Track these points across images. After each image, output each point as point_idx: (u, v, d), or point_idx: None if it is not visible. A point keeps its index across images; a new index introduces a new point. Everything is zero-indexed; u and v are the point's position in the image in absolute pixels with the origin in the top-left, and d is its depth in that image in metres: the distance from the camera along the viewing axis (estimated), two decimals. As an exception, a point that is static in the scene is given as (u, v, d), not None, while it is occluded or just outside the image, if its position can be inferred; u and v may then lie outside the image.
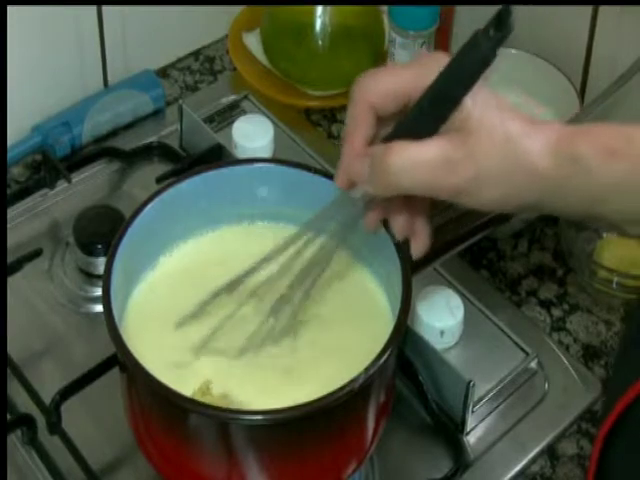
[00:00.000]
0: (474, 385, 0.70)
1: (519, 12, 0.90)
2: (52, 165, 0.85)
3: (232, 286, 0.62)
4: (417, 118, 0.54)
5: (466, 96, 0.53)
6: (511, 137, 0.53)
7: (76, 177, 0.86)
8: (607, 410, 0.52)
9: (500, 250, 0.85)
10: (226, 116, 0.93)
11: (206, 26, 0.99)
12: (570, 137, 0.53)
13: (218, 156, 0.85)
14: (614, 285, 0.80)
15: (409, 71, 0.55)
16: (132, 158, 0.89)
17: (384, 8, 0.94)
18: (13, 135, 0.86)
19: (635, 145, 0.52)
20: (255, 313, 0.63)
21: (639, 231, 0.54)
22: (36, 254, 0.79)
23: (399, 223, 0.59)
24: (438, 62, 0.54)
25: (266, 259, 0.62)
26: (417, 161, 0.53)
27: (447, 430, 0.72)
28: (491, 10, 0.85)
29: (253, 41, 0.97)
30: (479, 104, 0.53)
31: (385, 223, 0.62)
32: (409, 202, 0.58)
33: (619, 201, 0.53)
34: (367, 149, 0.56)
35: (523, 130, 0.53)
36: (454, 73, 0.53)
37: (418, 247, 0.60)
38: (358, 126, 0.56)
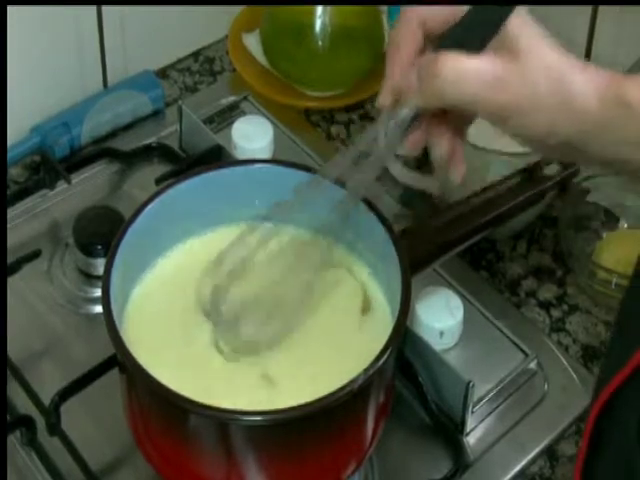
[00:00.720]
0: (474, 386, 0.70)
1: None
2: (51, 166, 0.85)
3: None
4: (466, 29, 0.53)
5: (514, 21, 0.52)
6: (561, 66, 0.52)
7: (75, 178, 0.86)
8: (599, 388, 0.52)
9: (499, 251, 0.85)
10: (226, 117, 0.93)
11: (206, 27, 0.99)
12: (620, 82, 0.52)
13: (218, 157, 0.85)
14: (613, 286, 0.80)
15: None
16: (131, 159, 0.89)
17: (384, 8, 0.94)
18: (12, 136, 0.86)
19: None
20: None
21: None
22: (35, 255, 0.79)
23: (441, 145, 0.57)
24: None
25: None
26: (467, 71, 0.52)
27: (447, 431, 0.72)
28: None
29: (253, 42, 0.97)
30: (528, 32, 0.52)
31: (384, 221, 0.62)
32: (452, 122, 0.57)
33: None
34: (416, 59, 0.55)
35: (572, 65, 0.52)
36: None
37: (459, 171, 0.58)
38: (405, 38, 0.55)
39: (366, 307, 0.65)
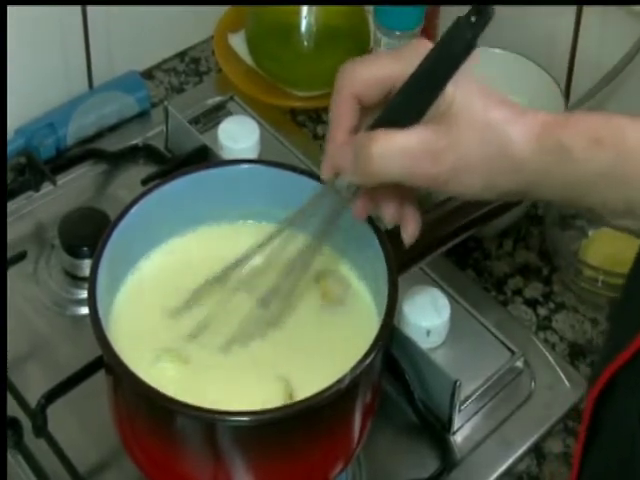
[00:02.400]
0: (460, 384, 0.70)
1: (504, 12, 0.91)
2: (37, 167, 0.85)
3: (220, 279, 0.62)
4: (400, 105, 0.54)
5: (449, 83, 0.53)
6: (493, 125, 0.52)
7: (61, 179, 0.86)
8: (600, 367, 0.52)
9: (485, 249, 0.85)
10: (212, 117, 0.92)
11: (191, 27, 0.99)
12: (554, 126, 0.52)
13: (204, 157, 0.85)
14: (599, 283, 0.80)
15: (393, 59, 0.55)
16: (117, 160, 0.89)
17: (369, 8, 0.95)
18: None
19: (621, 134, 0.51)
20: (241, 308, 0.63)
21: (623, 222, 0.54)
22: (21, 257, 0.79)
23: (388, 211, 0.59)
24: (421, 50, 0.54)
25: (248, 254, 0.62)
26: (399, 149, 0.53)
27: (434, 429, 0.72)
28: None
29: (238, 42, 0.97)
30: (462, 91, 0.53)
31: (370, 220, 0.62)
32: (397, 189, 0.58)
33: (603, 191, 0.52)
34: (351, 138, 0.56)
35: (506, 118, 0.53)
36: (436, 60, 0.53)
37: (408, 233, 0.59)
38: (342, 115, 0.56)
39: (352, 306, 0.65)
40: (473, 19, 0.52)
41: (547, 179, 0.53)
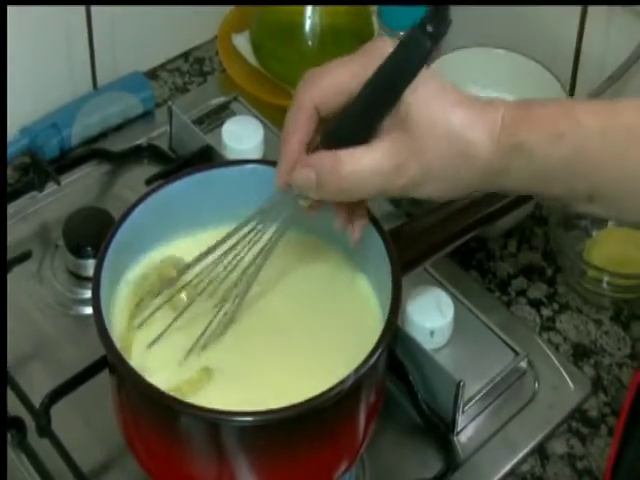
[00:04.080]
0: (464, 385, 0.70)
1: (508, 12, 0.91)
2: (41, 167, 0.85)
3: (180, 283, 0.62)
4: (355, 114, 0.54)
5: (406, 91, 0.53)
6: (453, 130, 0.53)
7: (65, 179, 0.86)
8: None
9: (489, 250, 0.85)
10: (216, 117, 0.93)
11: (195, 27, 0.99)
12: (514, 125, 0.53)
13: (208, 158, 0.85)
14: (604, 284, 0.80)
15: (350, 65, 0.55)
16: (121, 160, 0.89)
17: (374, 8, 0.95)
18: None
19: (581, 125, 0.52)
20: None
21: (589, 209, 0.55)
22: (25, 256, 0.79)
23: (339, 218, 0.59)
24: (380, 53, 0.53)
25: (208, 253, 0.62)
26: (369, 169, 0.53)
27: (437, 430, 0.72)
28: (478, 10, 0.85)
29: (242, 42, 0.97)
30: (419, 96, 0.53)
31: (374, 221, 0.62)
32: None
33: (566, 181, 0.53)
34: (310, 158, 0.55)
35: (465, 120, 0.53)
36: (392, 69, 0.53)
37: (355, 238, 0.60)
38: (299, 125, 0.56)
39: (356, 306, 0.65)
40: (429, 29, 0.51)
41: (511, 175, 0.54)
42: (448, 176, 0.54)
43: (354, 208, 0.59)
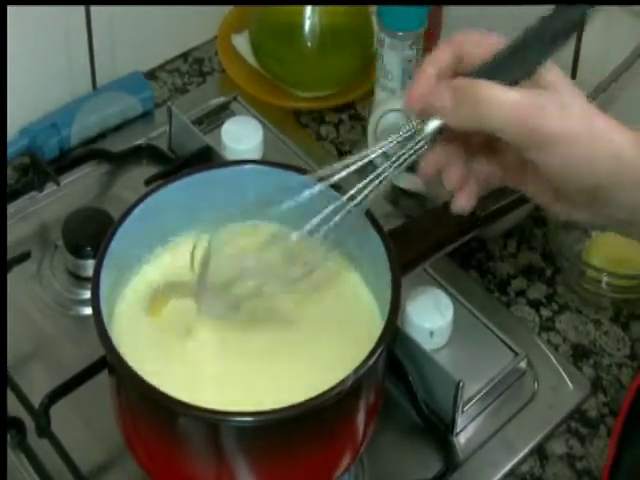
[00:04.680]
0: (463, 385, 0.70)
1: (507, 12, 0.91)
2: (40, 168, 0.85)
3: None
4: (500, 67, 0.53)
5: (548, 68, 0.53)
6: (593, 112, 0.53)
7: (65, 179, 0.86)
8: None
9: (489, 250, 0.85)
10: (215, 118, 0.93)
11: (195, 28, 0.99)
12: None
13: (207, 158, 0.85)
14: (603, 285, 0.80)
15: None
16: (121, 160, 0.89)
17: (373, 9, 0.95)
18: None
19: None
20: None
21: None
22: (25, 257, 0.79)
23: (452, 174, 0.56)
24: None
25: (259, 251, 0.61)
26: (506, 101, 0.52)
27: (437, 430, 0.72)
28: (478, 10, 0.85)
29: (242, 42, 0.97)
30: (561, 76, 0.53)
31: (373, 220, 0.62)
32: (468, 153, 0.57)
33: None
34: (449, 80, 0.54)
35: (608, 123, 0.53)
36: (544, 27, 0.53)
37: (461, 202, 0.57)
38: (440, 55, 0.55)
39: (356, 307, 0.65)
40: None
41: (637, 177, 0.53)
42: (582, 146, 0.52)
43: (468, 174, 0.57)
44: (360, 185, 0.58)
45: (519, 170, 0.56)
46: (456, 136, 0.56)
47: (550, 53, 0.53)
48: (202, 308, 0.62)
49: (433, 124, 0.55)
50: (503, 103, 0.52)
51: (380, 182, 0.57)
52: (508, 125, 0.52)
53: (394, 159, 0.56)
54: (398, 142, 0.56)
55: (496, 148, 0.57)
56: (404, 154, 0.56)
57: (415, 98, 0.55)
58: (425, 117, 0.55)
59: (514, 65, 0.53)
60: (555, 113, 0.52)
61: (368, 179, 0.57)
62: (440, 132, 0.55)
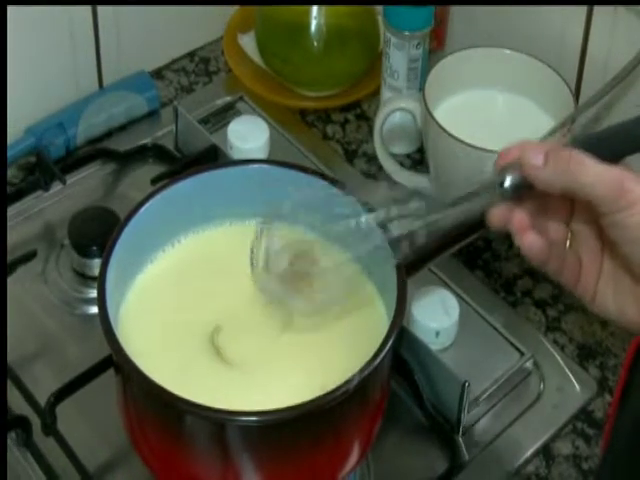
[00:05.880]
0: (469, 385, 0.70)
1: (514, 13, 0.91)
2: (46, 167, 0.85)
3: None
4: (604, 140, 0.53)
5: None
6: None
7: (70, 179, 0.86)
8: None
9: (495, 250, 0.85)
10: (221, 117, 0.93)
11: (201, 27, 0.99)
12: None
13: (213, 157, 0.85)
14: (609, 285, 0.80)
15: None
16: (127, 159, 0.89)
17: (379, 9, 0.94)
18: (7, 136, 0.86)
19: None
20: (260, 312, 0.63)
21: None
22: (31, 256, 0.79)
23: (522, 216, 0.56)
24: None
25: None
26: (597, 169, 0.52)
27: (442, 430, 0.72)
28: (482, 9, 0.85)
29: (248, 42, 0.97)
30: None
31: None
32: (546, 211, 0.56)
33: None
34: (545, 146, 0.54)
35: None
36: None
37: (528, 243, 0.56)
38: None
39: (361, 307, 0.65)
40: None
41: None
42: None
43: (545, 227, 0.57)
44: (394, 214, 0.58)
45: (591, 248, 0.56)
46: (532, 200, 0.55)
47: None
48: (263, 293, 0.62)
49: (513, 178, 0.54)
50: (597, 164, 0.52)
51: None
52: (600, 182, 0.51)
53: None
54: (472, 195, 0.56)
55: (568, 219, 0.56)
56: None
57: (508, 158, 0.55)
58: (505, 172, 0.54)
59: (605, 148, 0.53)
60: (635, 198, 0.51)
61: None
62: (517, 190, 0.54)
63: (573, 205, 0.57)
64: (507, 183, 0.54)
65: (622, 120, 0.54)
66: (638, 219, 0.51)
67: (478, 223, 0.69)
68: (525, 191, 0.55)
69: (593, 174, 0.52)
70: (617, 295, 0.56)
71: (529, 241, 0.56)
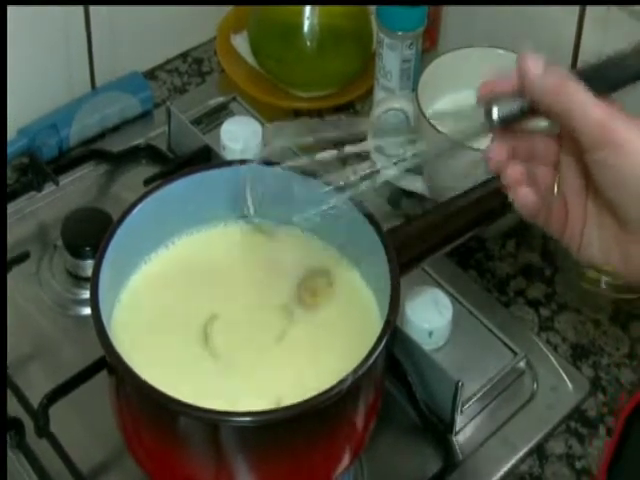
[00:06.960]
0: (463, 385, 0.70)
1: (506, 12, 0.91)
2: (39, 168, 0.85)
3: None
4: (600, 73, 0.53)
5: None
6: None
7: (64, 180, 0.86)
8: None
9: (488, 250, 0.85)
10: (214, 118, 0.93)
11: (194, 27, 0.99)
12: None
13: (206, 158, 0.85)
14: (602, 284, 0.80)
15: None
16: (120, 160, 0.89)
17: (372, 9, 0.95)
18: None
19: None
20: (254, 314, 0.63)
21: None
22: (24, 257, 0.79)
23: (515, 168, 0.55)
24: None
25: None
26: (588, 96, 0.51)
27: (436, 430, 0.72)
28: (475, 9, 0.85)
29: (241, 42, 0.97)
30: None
31: (372, 219, 0.62)
32: (536, 153, 0.55)
33: None
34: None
35: None
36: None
37: (520, 196, 0.55)
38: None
39: (354, 307, 0.65)
40: None
41: None
42: None
43: (534, 168, 0.56)
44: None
45: (576, 190, 0.55)
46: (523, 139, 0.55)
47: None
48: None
49: (515, 103, 0.54)
50: (587, 94, 0.51)
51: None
52: (586, 112, 0.51)
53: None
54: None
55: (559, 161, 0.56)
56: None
57: (492, 86, 0.55)
58: (490, 103, 0.54)
59: (600, 78, 0.53)
60: (634, 128, 0.51)
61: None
62: (505, 122, 0.54)
63: (559, 149, 0.56)
64: (495, 114, 0.54)
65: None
66: (621, 161, 0.51)
67: (473, 221, 0.69)
68: (511, 120, 0.54)
69: (581, 101, 0.51)
70: (602, 241, 0.55)
71: (522, 194, 0.55)
